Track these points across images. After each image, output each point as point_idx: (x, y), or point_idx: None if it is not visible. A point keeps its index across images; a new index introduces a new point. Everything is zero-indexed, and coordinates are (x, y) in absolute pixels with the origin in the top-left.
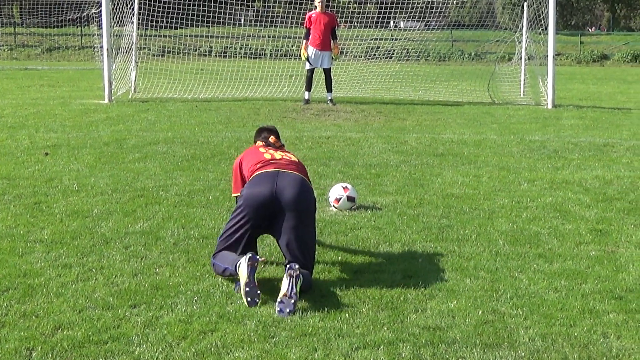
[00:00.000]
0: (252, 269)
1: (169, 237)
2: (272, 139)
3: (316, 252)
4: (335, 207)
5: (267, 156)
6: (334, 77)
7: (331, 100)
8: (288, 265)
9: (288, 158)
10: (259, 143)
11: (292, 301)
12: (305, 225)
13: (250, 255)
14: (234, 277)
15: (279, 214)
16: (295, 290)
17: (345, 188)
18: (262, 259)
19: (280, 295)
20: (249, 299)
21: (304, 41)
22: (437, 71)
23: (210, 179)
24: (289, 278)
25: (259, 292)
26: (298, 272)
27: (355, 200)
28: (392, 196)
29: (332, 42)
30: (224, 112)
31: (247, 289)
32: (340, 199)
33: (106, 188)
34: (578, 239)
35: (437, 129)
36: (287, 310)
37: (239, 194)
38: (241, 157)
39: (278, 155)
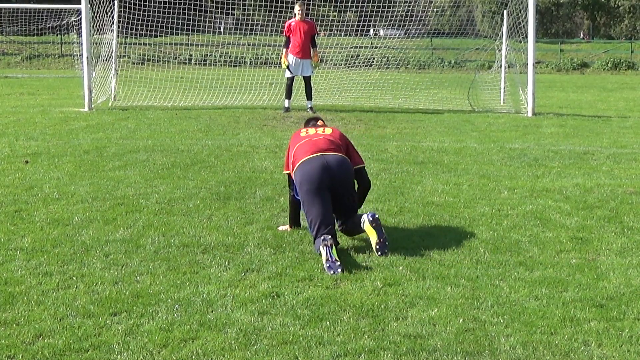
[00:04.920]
0: (327, 248)
1: (150, 245)
2: (319, 122)
3: (296, 261)
4: None
5: (303, 134)
6: (314, 85)
7: (311, 108)
8: (322, 237)
9: (323, 135)
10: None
11: (338, 264)
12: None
13: (323, 237)
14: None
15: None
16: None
17: None
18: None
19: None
20: (331, 272)
21: (284, 49)
22: (417, 79)
23: (190, 187)
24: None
25: (338, 264)
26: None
27: None
28: (373, 204)
29: (311, 50)
30: (204, 120)
31: (327, 265)
32: None
33: (86, 196)
34: (559, 246)
35: (417, 137)
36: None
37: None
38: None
39: (312, 131)
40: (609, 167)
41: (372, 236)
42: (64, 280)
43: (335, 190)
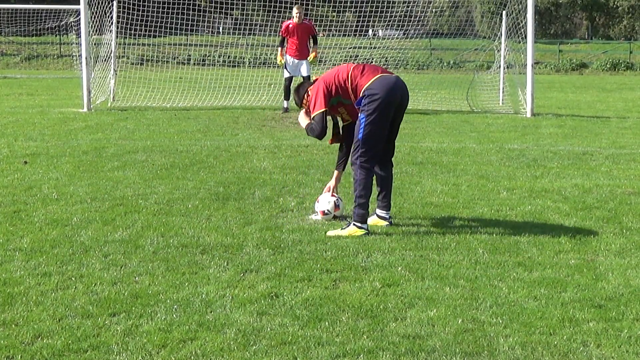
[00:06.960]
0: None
1: (148, 245)
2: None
3: (295, 261)
4: (336, 215)
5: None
6: None
7: None
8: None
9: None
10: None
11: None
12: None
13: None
14: None
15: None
16: None
17: (332, 195)
18: None
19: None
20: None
21: (279, 48)
22: (415, 80)
23: (189, 188)
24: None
25: None
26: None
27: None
28: (371, 205)
29: (311, 47)
30: (202, 121)
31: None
32: (339, 204)
33: (85, 197)
34: (557, 247)
35: (416, 137)
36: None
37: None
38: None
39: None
40: (607, 168)
41: (379, 224)
42: (63, 281)
43: (399, 112)
